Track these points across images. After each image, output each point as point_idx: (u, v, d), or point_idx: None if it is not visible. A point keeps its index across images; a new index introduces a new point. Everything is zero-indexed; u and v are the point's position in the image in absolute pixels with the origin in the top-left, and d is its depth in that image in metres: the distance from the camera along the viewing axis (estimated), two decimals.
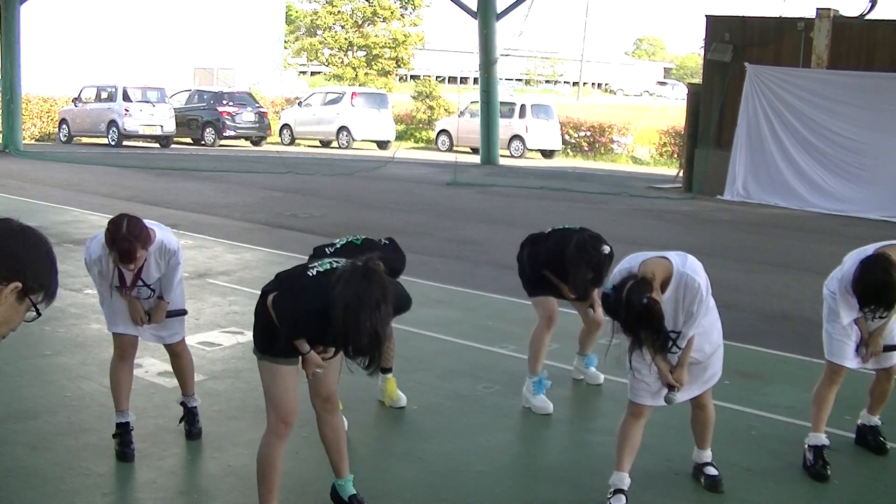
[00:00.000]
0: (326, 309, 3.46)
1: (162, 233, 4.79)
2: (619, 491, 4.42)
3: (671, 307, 4.21)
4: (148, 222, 4.70)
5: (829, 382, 4.96)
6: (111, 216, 4.75)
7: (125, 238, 4.49)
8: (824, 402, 4.97)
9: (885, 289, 4.50)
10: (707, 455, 4.74)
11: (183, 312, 5.02)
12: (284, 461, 4.83)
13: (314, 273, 3.77)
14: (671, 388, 4.35)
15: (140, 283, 4.79)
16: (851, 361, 4.90)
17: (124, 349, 4.90)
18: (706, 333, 4.42)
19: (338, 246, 5.06)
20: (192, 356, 5.25)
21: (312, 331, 3.72)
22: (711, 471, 4.70)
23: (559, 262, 5.39)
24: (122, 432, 4.83)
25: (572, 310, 5.96)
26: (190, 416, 5.15)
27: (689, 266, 4.24)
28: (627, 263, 4.29)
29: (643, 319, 3.99)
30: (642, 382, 4.38)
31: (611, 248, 5.33)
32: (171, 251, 4.79)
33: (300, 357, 3.89)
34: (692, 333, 4.31)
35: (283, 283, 3.88)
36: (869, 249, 4.80)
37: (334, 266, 3.74)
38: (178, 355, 5.11)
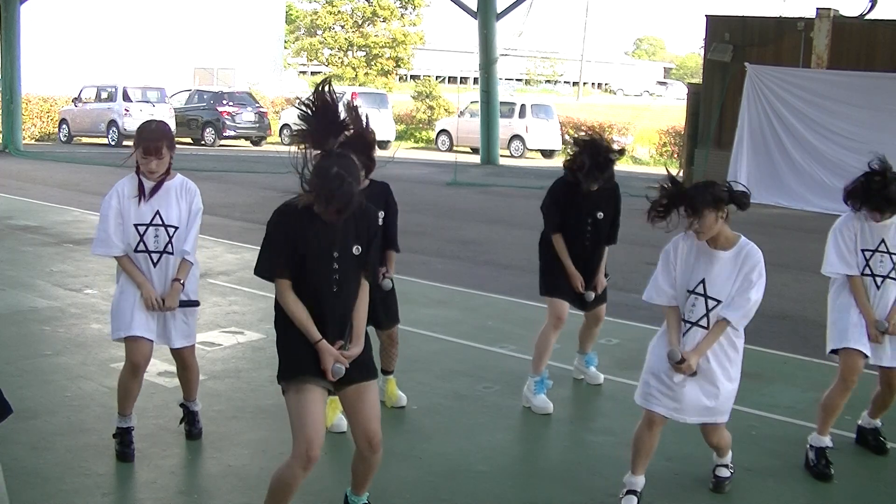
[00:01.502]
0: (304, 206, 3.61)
1: (183, 176, 4.86)
2: (631, 491, 4.42)
3: (728, 268, 4.24)
4: None
5: (842, 387, 4.87)
6: None
7: (153, 131, 4.66)
8: (835, 409, 4.92)
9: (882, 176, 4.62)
10: (724, 459, 4.74)
11: (196, 303, 4.92)
12: (283, 461, 4.84)
13: None
14: (679, 361, 4.24)
15: (158, 219, 4.70)
16: (862, 344, 4.83)
17: (136, 363, 4.72)
18: (733, 343, 4.37)
19: None
20: (198, 367, 5.18)
21: (296, 227, 3.68)
22: (721, 472, 4.70)
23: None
24: (123, 433, 4.82)
25: (574, 311, 5.95)
26: (190, 417, 5.14)
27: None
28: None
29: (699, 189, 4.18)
30: (653, 387, 4.33)
31: None
32: (193, 190, 4.82)
33: (326, 381, 3.75)
34: (736, 315, 4.22)
35: None
36: None
37: None
38: (187, 368, 5.03)
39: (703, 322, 4.27)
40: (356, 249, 3.75)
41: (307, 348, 3.74)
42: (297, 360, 3.77)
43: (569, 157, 5.78)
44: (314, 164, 3.66)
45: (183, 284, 4.77)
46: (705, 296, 4.27)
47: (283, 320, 3.81)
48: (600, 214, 5.77)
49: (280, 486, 3.79)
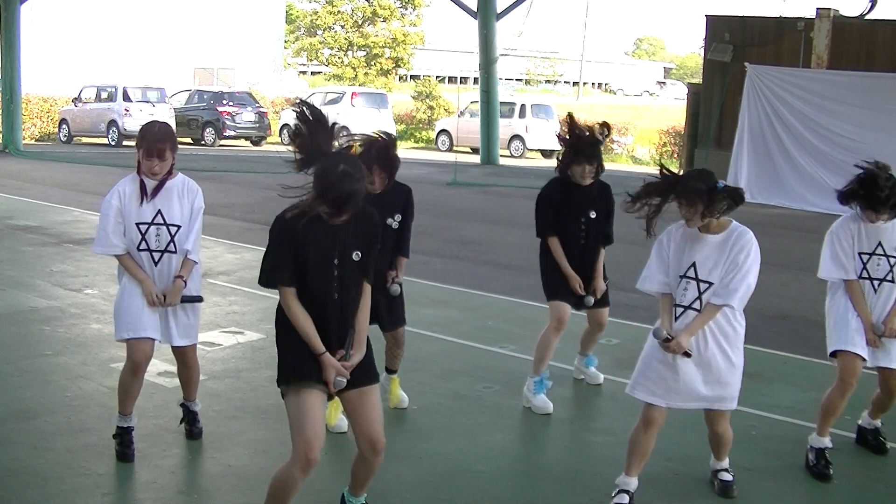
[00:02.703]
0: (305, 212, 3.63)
1: (184, 175, 4.87)
2: (623, 491, 4.42)
3: (717, 251, 4.26)
4: None
5: (841, 389, 4.86)
6: None
7: (156, 133, 4.66)
8: (834, 410, 4.92)
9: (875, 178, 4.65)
10: (724, 463, 4.72)
11: (199, 299, 4.91)
12: (284, 461, 4.83)
13: None
14: (666, 339, 4.24)
15: (160, 218, 4.70)
16: (860, 348, 4.82)
17: (137, 363, 4.72)
18: (727, 343, 4.37)
19: None
20: (199, 366, 5.18)
21: (299, 237, 3.68)
22: (726, 476, 4.68)
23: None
24: (123, 433, 4.82)
25: (572, 310, 5.95)
26: (190, 417, 5.15)
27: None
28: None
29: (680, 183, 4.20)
30: (646, 377, 4.34)
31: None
32: (194, 190, 4.82)
33: (324, 384, 3.76)
34: (728, 302, 4.23)
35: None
36: None
37: None
38: (188, 367, 5.03)
39: (696, 305, 4.28)
40: (356, 255, 3.75)
41: (308, 353, 3.74)
42: (297, 365, 3.76)
43: (559, 156, 5.79)
44: (319, 164, 3.66)
45: (185, 282, 4.77)
46: (696, 279, 4.28)
47: (283, 324, 3.80)
48: (593, 213, 5.78)
49: (279, 487, 3.78)
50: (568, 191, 5.74)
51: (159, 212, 4.71)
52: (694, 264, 4.30)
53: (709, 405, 4.43)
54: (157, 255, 4.72)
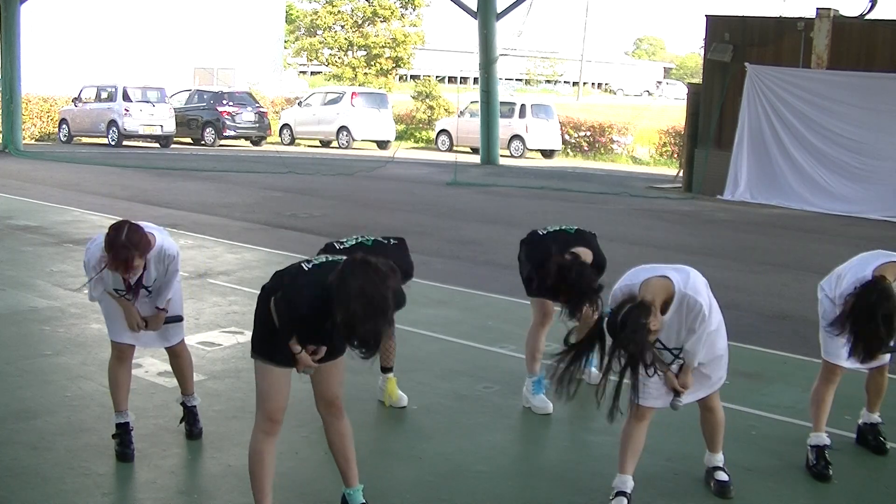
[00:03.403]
0: (324, 301, 3.49)
1: (161, 237, 4.77)
2: (621, 493, 4.41)
3: (674, 326, 4.22)
4: (147, 226, 4.68)
5: (826, 382, 4.95)
6: (111, 216, 4.77)
7: (123, 245, 4.44)
8: (823, 402, 4.96)
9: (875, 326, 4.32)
10: (718, 459, 4.71)
11: (179, 319, 5.01)
12: (284, 461, 4.84)
13: (309, 268, 3.77)
14: (677, 393, 4.34)
15: (141, 287, 4.79)
16: (847, 361, 4.84)
17: (122, 352, 4.92)
18: (711, 342, 4.38)
19: (346, 245, 5.12)
20: (192, 356, 5.25)
21: (311, 325, 3.71)
22: (721, 476, 4.67)
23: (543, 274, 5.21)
24: (122, 433, 4.83)
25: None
26: (190, 416, 5.15)
27: (692, 286, 4.17)
28: (629, 280, 4.26)
29: (635, 344, 3.90)
30: (647, 387, 4.34)
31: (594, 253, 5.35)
32: (171, 256, 4.77)
33: (293, 362, 3.89)
34: (696, 350, 4.29)
35: (282, 279, 3.84)
36: (867, 267, 4.66)
37: (330, 260, 3.78)
38: (177, 355, 5.11)
39: (675, 367, 4.36)
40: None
41: (282, 345, 3.83)
42: (275, 353, 3.87)
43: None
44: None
45: (166, 310, 4.88)
46: (666, 348, 4.30)
47: (262, 309, 3.89)
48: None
49: (252, 460, 4.00)
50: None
51: (138, 281, 4.76)
52: (658, 339, 4.19)
53: (705, 393, 4.51)
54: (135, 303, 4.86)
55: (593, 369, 6.26)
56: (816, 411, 4.98)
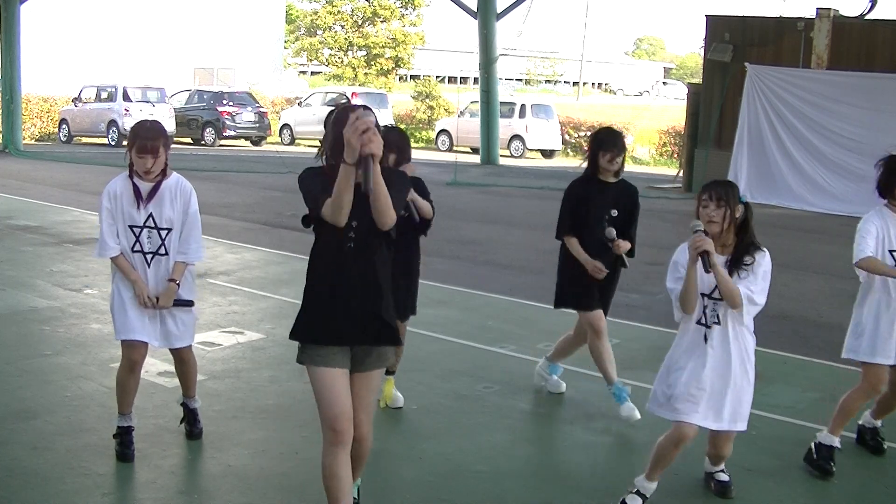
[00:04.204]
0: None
1: (178, 175, 4.81)
2: (639, 494, 4.38)
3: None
4: None
5: (866, 393, 4.86)
6: None
7: (148, 130, 4.59)
8: (852, 412, 4.92)
9: None
10: (718, 466, 4.70)
11: (190, 303, 4.89)
12: (284, 461, 4.84)
13: None
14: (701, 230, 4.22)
15: (151, 222, 4.68)
16: (892, 358, 4.76)
17: (133, 361, 4.76)
18: (748, 362, 4.33)
19: None
20: (196, 361, 5.17)
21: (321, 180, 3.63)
22: (722, 476, 4.65)
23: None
24: (123, 433, 4.82)
25: (572, 310, 5.93)
26: (190, 417, 5.14)
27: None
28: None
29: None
30: (688, 402, 4.26)
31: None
32: (188, 190, 4.76)
33: (345, 365, 3.71)
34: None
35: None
36: None
37: None
38: (184, 362, 5.03)
39: (716, 319, 4.29)
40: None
41: (321, 314, 3.70)
42: (307, 323, 3.73)
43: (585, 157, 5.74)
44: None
45: (178, 284, 4.76)
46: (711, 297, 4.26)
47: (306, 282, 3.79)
48: (615, 212, 5.60)
49: (324, 475, 3.76)
50: (591, 189, 5.61)
51: (150, 215, 4.69)
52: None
53: (727, 427, 4.36)
54: (149, 257, 4.72)
55: (556, 377, 6.20)
56: (840, 418, 4.93)
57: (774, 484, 4.82)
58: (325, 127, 3.75)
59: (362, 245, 3.66)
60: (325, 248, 3.70)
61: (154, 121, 4.80)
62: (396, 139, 5.16)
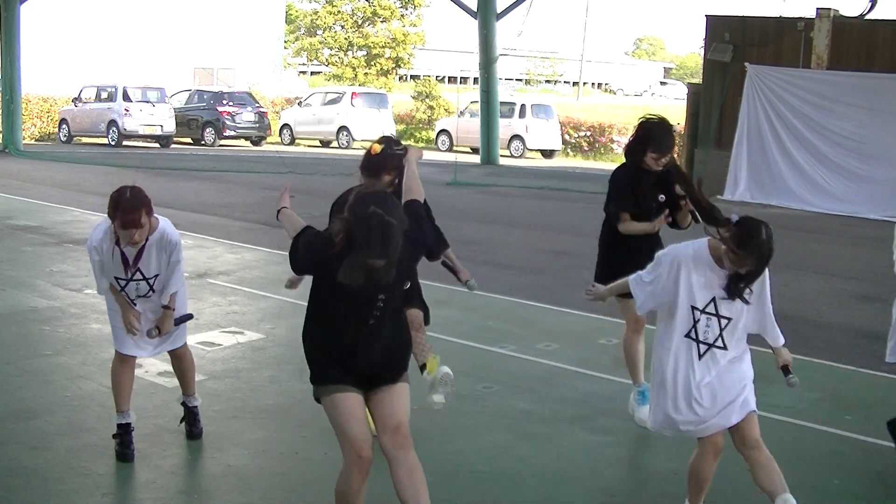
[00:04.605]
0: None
1: (164, 222, 4.78)
2: None
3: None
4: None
5: None
6: None
7: (129, 201, 4.49)
8: None
9: None
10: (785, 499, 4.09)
11: (188, 318, 5.01)
12: (284, 461, 4.84)
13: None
14: (786, 371, 4.01)
15: (139, 275, 4.71)
16: None
17: (125, 357, 4.91)
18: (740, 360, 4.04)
19: None
20: (193, 356, 5.23)
21: (321, 252, 3.51)
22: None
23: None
24: (123, 433, 4.83)
25: (572, 310, 5.93)
26: (191, 417, 5.14)
27: None
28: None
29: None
30: (694, 419, 3.99)
31: None
32: (173, 243, 4.75)
33: (358, 389, 3.63)
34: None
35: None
36: None
37: None
38: (180, 357, 5.08)
39: (719, 343, 3.93)
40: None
41: (334, 357, 3.63)
42: (328, 370, 3.64)
43: (630, 141, 5.54)
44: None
45: (173, 309, 4.85)
46: (717, 315, 3.90)
47: (309, 330, 3.72)
48: (662, 197, 5.51)
49: (338, 499, 3.66)
50: (638, 177, 5.48)
51: (138, 269, 4.72)
52: (714, 299, 3.90)
53: (743, 413, 3.98)
54: (136, 300, 4.81)
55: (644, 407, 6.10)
56: None
57: None
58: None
59: (387, 313, 3.59)
60: (339, 308, 3.55)
61: (133, 188, 4.60)
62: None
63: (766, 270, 3.89)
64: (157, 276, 4.77)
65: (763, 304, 3.99)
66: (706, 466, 4.09)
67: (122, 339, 4.84)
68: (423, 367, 5.26)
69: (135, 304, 4.79)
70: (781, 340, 4.06)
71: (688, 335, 3.93)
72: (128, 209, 4.47)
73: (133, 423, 4.87)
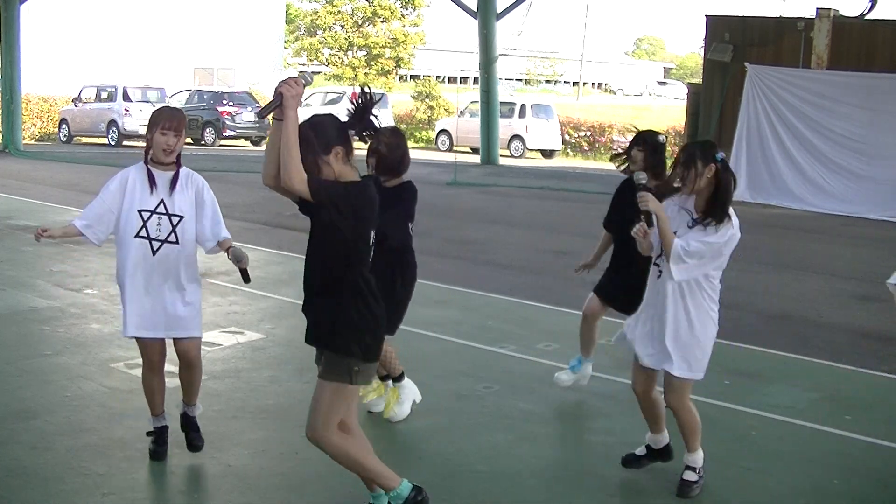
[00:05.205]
0: None
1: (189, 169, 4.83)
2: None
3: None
4: None
5: None
6: None
7: (172, 110, 4.71)
8: None
9: None
10: (694, 455, 4.57)
11: (246, 275, 5.12)
12: (284, 461, 4.85)
13: None
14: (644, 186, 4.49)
15: (162, 208, 4.59)
16: None
17: (152, 359, 4.67)
18: (697, 326, 4.44)
19: None
20: (202, 366, 4.96)
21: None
22: (689, 475, 4.55)
23: None
24: (158, 432, 4.77)
25: (572, 310, 5.94)
26: (189, 428, 4.88)
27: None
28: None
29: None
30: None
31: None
32: (199, 181, 4.77)
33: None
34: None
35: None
36: None
37: None
38: (191, 366, 4.77)
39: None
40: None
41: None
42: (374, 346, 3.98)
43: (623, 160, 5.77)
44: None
45: (231, 242, 5.01)
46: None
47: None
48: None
49: (341, 447, 3.95)
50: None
51: (162, 201, 4.60)
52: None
53: (652, 365, 4.50)
54: (156, 245, 4.59)
55: (563, 376, 6.19)
56: None
57: (774, 484, 4.82)
58: None
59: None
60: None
61: (176, 108, 4.88)
62: (388, 139, 5.21)
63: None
64: (181, 218, 4.64)
65: None
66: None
67: (126, 323, 4.59)
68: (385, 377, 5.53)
69: (154, 252, 4.60)
70: None
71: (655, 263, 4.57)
72: (171, 115, 4.63)
73: (167, 425, 4.79)
